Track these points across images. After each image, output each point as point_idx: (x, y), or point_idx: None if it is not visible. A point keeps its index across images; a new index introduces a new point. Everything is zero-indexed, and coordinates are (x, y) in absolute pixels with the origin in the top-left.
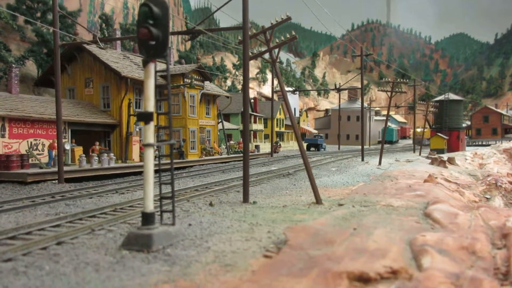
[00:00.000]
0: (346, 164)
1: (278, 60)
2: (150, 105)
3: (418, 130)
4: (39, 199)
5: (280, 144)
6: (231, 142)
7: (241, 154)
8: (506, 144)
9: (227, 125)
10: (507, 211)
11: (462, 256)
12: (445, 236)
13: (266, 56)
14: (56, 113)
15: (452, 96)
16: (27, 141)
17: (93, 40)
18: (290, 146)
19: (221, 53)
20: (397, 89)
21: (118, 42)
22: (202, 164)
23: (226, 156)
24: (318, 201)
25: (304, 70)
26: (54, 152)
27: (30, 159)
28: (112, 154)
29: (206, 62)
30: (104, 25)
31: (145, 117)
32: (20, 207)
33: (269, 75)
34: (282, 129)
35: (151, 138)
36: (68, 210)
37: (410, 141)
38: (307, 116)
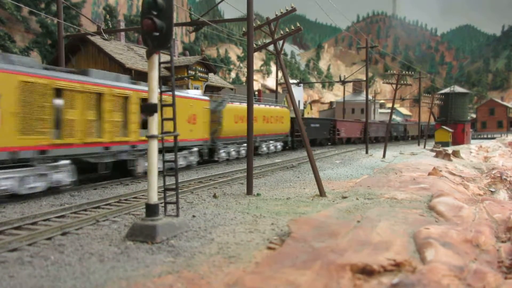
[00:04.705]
0: (350, 156)
1: (282, 52)
2: (154, 96)
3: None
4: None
5: None
6: None
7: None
8: (511, 137)
9: None
10: (511, 204)
11: (466, 249)
12: (449, 229)
13: (271, 48)
14: None
15: (458, 89)
16: None
17: (97, 31)
18: None
19: (225, 45)
20: (402, 82)
21: (122, 33)
22: None
23: None
24: (321, 193)
25: (309, 62)
26: None
27: None
28: None
29: (210, 54)
30: (108, 16)
31: (149, 109)
32: (25, 198)
33: (273, 67)
34: None
35: (155, 129)
36: (73, 201)
37: None
38: (311, 109)
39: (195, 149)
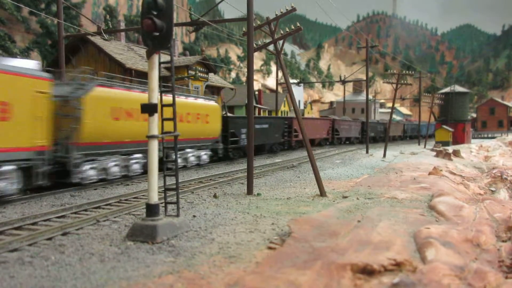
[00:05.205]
0: (351, 156)
1: (282, 52)
2: (154, 96)
3: None
4: (44, 190)
5: None
6: None
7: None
8: None
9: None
10: None
11: (467, 249)
12: (450, 229)
13: (271, 47)
14: None
15: (458, 88)
16: None
17: (97, 31)
18: None
19: (225, 45)
20: (402, 81)
21: (123, 33)
22: None
23: None
24: (322, 193)
25: (309, 62)
26: None
27: None
28: None
29: (211, 54)
30: (108, 16)
31: (149, 109)
32: (26, 198)
33: (273, 67)
34: None
35: (155, 129)
36: (73, 201)
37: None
38: (311, 109)
39: (10, 167)
